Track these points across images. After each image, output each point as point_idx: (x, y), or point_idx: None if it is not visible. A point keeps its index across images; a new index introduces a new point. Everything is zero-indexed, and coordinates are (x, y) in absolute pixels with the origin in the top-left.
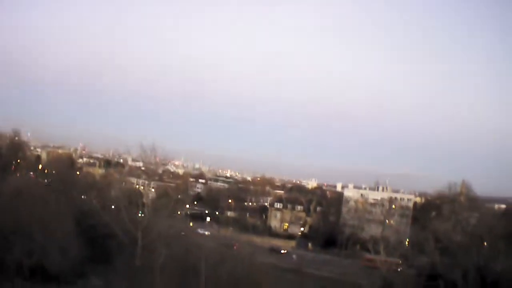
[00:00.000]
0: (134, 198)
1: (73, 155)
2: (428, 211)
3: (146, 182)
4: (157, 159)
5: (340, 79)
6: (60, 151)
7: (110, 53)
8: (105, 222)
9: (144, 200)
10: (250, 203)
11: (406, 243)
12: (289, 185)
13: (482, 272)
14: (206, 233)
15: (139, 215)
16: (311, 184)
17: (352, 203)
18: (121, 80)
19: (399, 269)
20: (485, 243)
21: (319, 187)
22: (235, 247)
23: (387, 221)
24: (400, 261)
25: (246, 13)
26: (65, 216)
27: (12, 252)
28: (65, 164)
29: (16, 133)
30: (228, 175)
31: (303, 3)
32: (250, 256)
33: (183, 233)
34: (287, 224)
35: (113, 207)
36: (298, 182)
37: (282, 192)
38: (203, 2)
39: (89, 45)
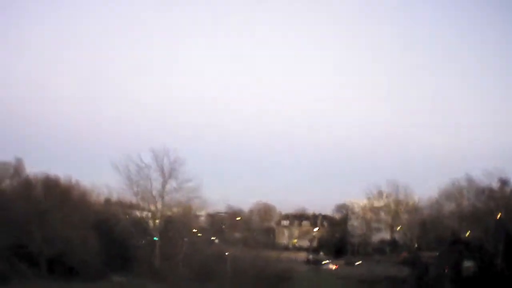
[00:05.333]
0: None
1: None
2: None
3: None
4: None
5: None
6: None
7: None
8: (124, 226)
9: None
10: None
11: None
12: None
13: None
14: None
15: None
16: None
17: (358, 212)
18: None
19: None
20: None
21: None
22: None
23: (394, 226)
24: None
25: None
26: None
27: (34, 241)
28: None
29: None
30: None
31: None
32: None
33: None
34: (295, 240)
35: None
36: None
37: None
38: None
39: None
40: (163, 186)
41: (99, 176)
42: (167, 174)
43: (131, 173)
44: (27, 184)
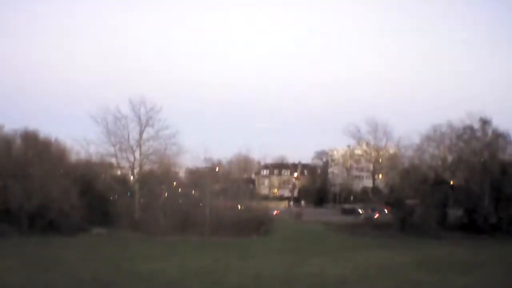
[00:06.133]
0: None
1: None
2: None
3: None
4: None
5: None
6: None
7: None
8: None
9: None
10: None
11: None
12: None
13: None
14: None
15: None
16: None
17: (339, 160)
18: None
19: None
20: None
21: None
22: None
23: (375, 174)
24: None
25: None
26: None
27: (14, 196)
28: None
29: None
30: None
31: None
32: None
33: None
34: (276, 190)
35: None
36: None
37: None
38: None
39: None
40: (140, 134)
41: (79, 133)
42: (144, 122)
43: (109, 124)
44: (6, 140)
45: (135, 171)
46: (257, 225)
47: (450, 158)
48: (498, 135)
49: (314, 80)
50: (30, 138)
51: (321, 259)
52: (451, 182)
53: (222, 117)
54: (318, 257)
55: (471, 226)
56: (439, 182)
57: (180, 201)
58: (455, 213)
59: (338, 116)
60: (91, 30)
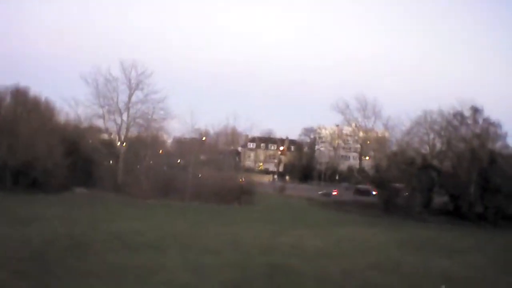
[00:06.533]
0: None
1: None
2: None
3: None
4: None
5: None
6: None
7: None
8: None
9: None
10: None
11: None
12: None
13: None
14: None
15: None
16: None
17: (327, 138)
18: None
19: None
20: None
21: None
22: None
23: (362, 155)
24: None
25: None
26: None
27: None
28: None
29: None
30: None
31: None
32: None
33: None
34: (261, 164)
35: None
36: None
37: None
38: None
39: None
40: (129, 97)
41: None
42: (134, 85)
43: (99, 85)
44: None
45: (122, 134)
46: (239, 194)
47: (439, 144)
48: (489, 124)
49: (310, 61)
50: (20, 96)
51: (302, 231)
52: (438, 168)
53: (213, 88)
54: (298, 230)
55: (456, 213)
56: (426, 167)
57: (165, 167)
58: (440, 198)
59: (330, 95)
60: None
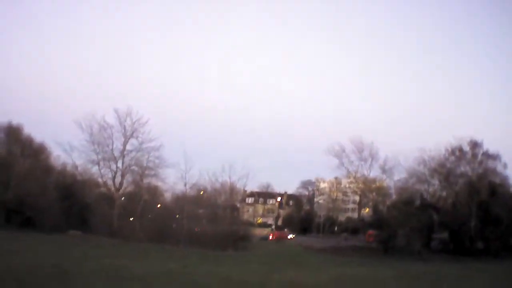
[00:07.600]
0: None
1: None
2: None
3: None
4: None
5: None
6: None
7: None
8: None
9: None
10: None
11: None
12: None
13: None
14: None
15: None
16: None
17: (325, 190)
18: None
19: None
20: None
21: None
22: None
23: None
24: None
25: None
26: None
27: None
28: None
29: None
30: None
31: None
32: None
33: None
34: (260, 218)
35: None
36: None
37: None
38: None
39: None
40: (124, 145)
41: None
42: (129, 134)
43: (94, 132)
44: None
45: (117, 181)
46: (235, 240)
47: (437, 181)
48: (489, 156)
49: (304, 113)
50: (13, 133)
51: (297, 270)
52: (437, 206)
53: (209, 135)
54: (294, 269)
55: (457, 249)
56: (425, 205)
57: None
58: (440, 236)
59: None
60: (85, 35)
